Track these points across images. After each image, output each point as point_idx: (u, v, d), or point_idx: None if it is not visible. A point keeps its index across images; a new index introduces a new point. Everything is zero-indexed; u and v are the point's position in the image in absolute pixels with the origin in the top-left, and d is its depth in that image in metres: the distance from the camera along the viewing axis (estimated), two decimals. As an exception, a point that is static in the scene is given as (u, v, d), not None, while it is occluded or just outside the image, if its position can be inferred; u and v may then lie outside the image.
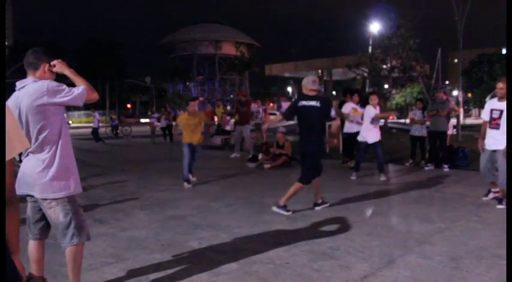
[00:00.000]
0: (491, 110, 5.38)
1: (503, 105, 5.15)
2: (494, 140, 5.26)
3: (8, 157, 1.27)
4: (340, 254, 3.74)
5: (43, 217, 2.70)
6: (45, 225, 2.74)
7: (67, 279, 2.78)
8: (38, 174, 2.56)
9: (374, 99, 7.68)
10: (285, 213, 5.12)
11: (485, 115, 5.55)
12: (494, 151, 5.28)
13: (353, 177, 7.62)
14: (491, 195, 5.66)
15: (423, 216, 5.02)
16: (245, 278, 3.24)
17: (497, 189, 5.51)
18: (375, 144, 7.50)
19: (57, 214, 2.61)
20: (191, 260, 3.63)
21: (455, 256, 3.63)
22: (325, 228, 4.61)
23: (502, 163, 5.04)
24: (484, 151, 5.47)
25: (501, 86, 5.25)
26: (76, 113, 57.46)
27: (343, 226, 4.63)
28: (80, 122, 50.95)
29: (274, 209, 5.18)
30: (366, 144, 7.58)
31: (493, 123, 5.34)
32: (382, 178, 7.47)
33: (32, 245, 2.75)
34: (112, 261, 3.61)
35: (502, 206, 5.21)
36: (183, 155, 7.20)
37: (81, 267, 2.78)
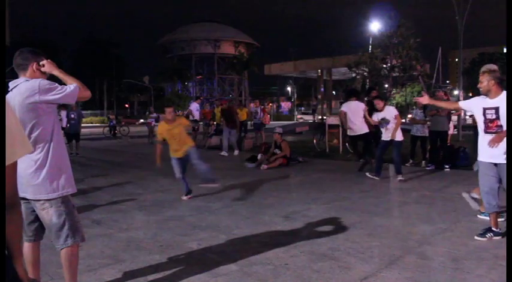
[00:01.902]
0: (485, 110, 4.05)
1: (496, 101, 3.96)
2: (494, 149, 3.91)
3: (9, 161, 1.19)
4: (340, 254, 3.71)
5: (37, 218, 2.66)
6: (39, 227, 2.70)
7: (64, 281, 2.74)
8: (31, 175, 2.52)
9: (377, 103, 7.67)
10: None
11: (466, 106, 4.46)
12: (495, 165, 3.99)
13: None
14: (489, 236, 4.08)
15: (424, 216, 4.99)
16: (244, 279, 3.21)
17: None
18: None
19: (50, 215, 2.57)
20: (190, 261, 3.60)
21: (456, 257, 3.61)
22: (325, 228, 4.58)
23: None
24: (479, 166, 4.20)
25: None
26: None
27: (343, 227, 4.60)
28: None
29: (481, 216, 4.78)
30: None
31: (491, 126, 3.99)
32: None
33: (27, 247, 2.70)
34: (110, 263, 3.57)
35: (484, 239, 4.06)
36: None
37: (77, 268, 2.75)
